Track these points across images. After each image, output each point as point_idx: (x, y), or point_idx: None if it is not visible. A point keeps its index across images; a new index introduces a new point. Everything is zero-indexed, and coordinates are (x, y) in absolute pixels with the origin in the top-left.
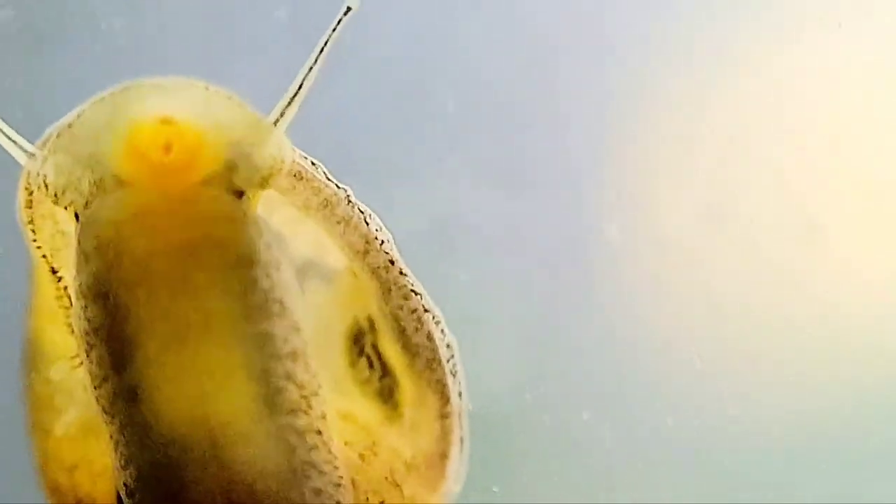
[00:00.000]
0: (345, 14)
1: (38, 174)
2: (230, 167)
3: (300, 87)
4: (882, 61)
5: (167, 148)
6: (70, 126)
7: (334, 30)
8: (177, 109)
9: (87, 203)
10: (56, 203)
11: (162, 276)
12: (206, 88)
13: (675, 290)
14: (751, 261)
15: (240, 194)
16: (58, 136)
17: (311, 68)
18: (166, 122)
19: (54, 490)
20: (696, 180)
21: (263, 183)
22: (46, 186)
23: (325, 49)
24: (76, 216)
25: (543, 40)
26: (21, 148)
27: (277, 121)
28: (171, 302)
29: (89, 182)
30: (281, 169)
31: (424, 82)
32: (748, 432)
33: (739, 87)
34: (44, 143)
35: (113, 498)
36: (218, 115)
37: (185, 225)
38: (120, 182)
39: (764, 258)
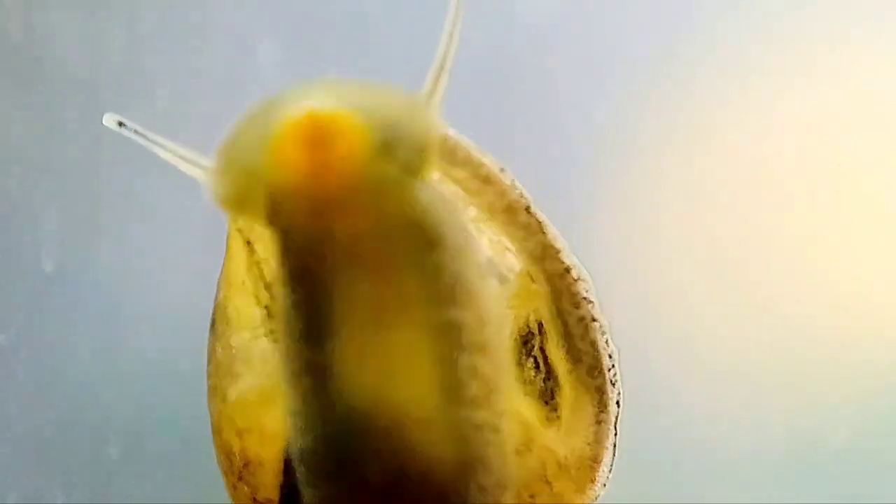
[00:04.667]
0: None
1: (214, 193)
2: (386, 146)
3: (444, 59)
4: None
5: (319, 145)
6: (226, 141)
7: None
8: (319, 107)
9: (271, 206)
10: (242, 213)
11: (365, 260)
12: (345, 80)
13: None
14: None
15: (411, 173)
16: (219, 153)
17: (447, 43)
18: (311, 120)
19: (225, 451)
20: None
21: (423, 156)
22: (226, 202)
23: (458, 21)
24: (266, 218)
25: None
26: (198, 165)
27: (428, 95)
28: (373, 284)
29: (262, 188)
30: (437, 140)
31: None
32: None
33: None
34: (212, 160)
35: (280, 463)
36: (358, 101)
37: (372, 204)
38: (292, 183)
39: None
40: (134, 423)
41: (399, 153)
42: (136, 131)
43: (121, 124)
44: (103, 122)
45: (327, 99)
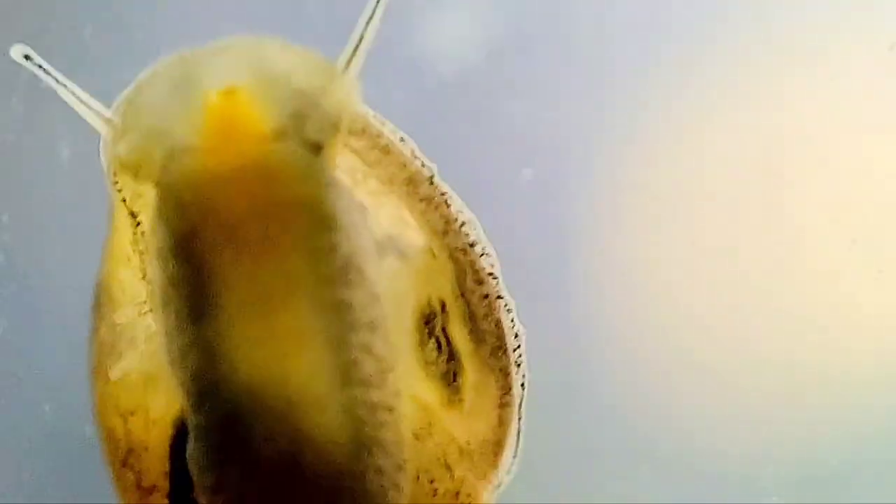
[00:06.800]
0: None
1: (112, 152)
2: (299, 117)
3: (363, 33)
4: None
5: (232, 112)
6: (133, 101)
7: None
8: (236, 72)
9: (162, 170)
10: (136, 178)
11: (247, 239)
12: (262, 43)
13: None
14: None
15: (316, 149)
16: (123, 111)
17: (371, 15)
18: (227, 87)
19: (109, 435)
20: None
21: (335, 130)
22: (122, 164)
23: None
24: (156, 178)
25: None
26: (98, 114)
27: (345, 68)
28: (257, 265)
29: (161, 153)
30: (351, 114)
31: None
32: None
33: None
34: (114, 113)
35: (166, 446)
36: (278, 68)
37: (265, 185)
38: (192, 149)
39: None
40: None
41: (308, 126)
42: (41, 67)
43: (27, 57)
44: (11, 53)
45: (242, 67)
